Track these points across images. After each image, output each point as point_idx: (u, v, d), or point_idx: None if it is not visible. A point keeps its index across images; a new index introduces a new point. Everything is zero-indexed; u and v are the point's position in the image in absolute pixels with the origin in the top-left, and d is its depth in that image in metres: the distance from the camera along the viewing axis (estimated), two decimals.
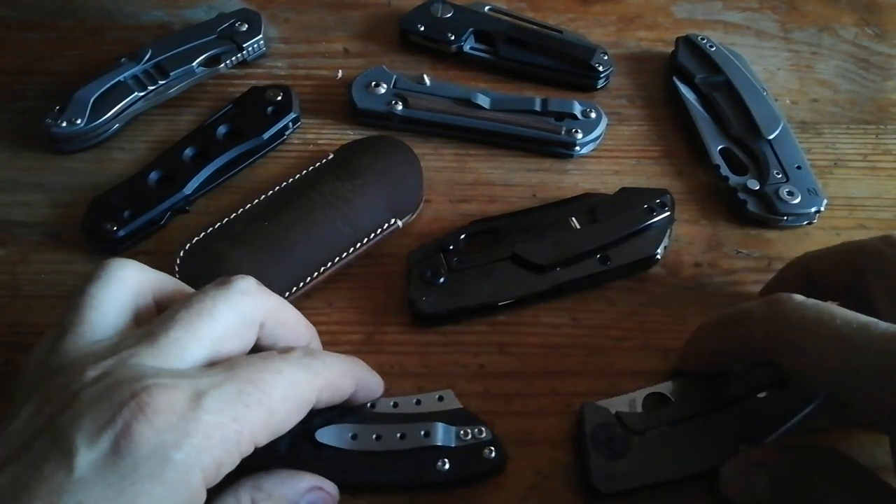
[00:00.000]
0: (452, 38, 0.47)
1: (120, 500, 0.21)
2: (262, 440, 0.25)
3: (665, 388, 0.34)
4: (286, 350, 0.27)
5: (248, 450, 0.24)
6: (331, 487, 0.29)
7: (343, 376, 0.29)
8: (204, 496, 0.23)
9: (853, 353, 0.26)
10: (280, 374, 0.25)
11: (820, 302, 0.28)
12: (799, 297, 0.29)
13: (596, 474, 0.31)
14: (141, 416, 0.22)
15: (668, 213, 0.39)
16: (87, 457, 0.21)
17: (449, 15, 0.48)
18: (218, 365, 0.25)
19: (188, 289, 0.29)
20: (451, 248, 0.37)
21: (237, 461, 0.24)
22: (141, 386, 0.23)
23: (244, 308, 0.27)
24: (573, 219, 0.38)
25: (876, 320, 0.27)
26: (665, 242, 0.39)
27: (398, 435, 0.31)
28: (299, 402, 0.26)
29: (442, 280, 0.36)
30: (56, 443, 0.22)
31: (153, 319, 0.26)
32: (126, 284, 0.27)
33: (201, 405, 0.23)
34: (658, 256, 0.38)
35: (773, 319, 0.29)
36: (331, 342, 0.36)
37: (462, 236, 0.38)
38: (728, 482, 0.30)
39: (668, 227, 0.39)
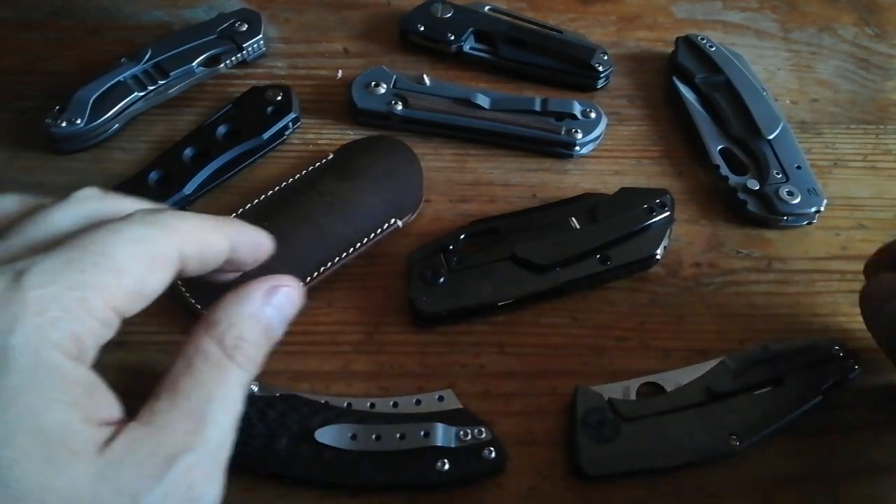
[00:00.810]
0: (452, 38, 0.47)
1: None
2: (124, 304, 0.22)
3: (660, 378, 0.34)
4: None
5: (108, 316, 0.22)
6: (290, 280, 0.26)
7: (209, 232, 0.25)
8: (84, 373, 0.21)
9: None
10: (119, 232, 0.23)
11: None
12: None
13: (584, 457, 0.32)
14: None
15: (667, 213, 0.39)
16: None
17: (449, 15, 0.48)
18: (53, 246, 0.22)
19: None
20: (451, 248, 0.37)
21: (104, 331, 0.22)
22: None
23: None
24: (573, 219, 0.38)
25: None
26: (665, 242, 0.39)
27: (398, 435, 0.31)
28: (153, 259, 0.23)
29: (442, 280, 0.36)
30: None
31: None
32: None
33: (22, 283, 0.20)
34: (658, 256, 0.38)
35: None
36: (331, 342, 0.36)
37: (462, 236, 0.38)
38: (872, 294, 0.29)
39: (668, 227, 0.39)
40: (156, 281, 0.23)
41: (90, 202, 0.26)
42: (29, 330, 0.20)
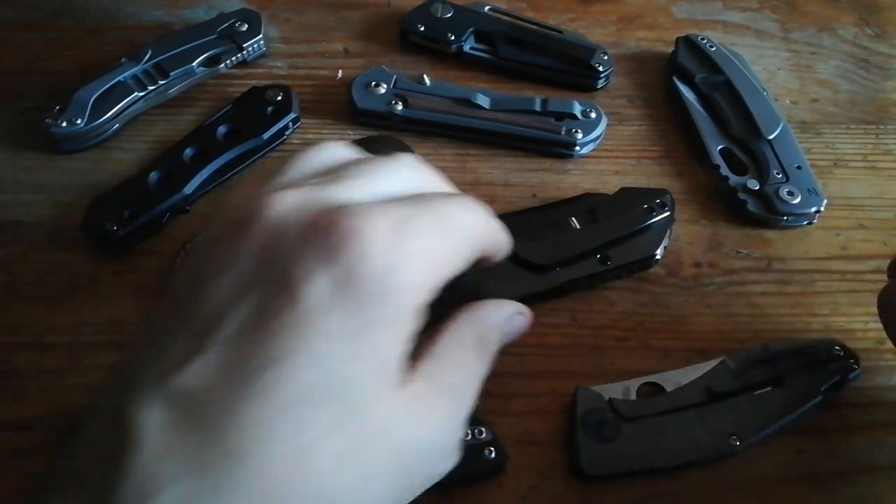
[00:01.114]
0: (452, 38, 0.47)
1: (356, 323, 0.22)
2: (447, 276, 0.25)
3: (660, 378, 0.34)
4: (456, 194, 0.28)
5: (440, 284, 0.24)
6: (528, 312, 0.30)
7: (501, 231, 0.29)
8: (419, 323, 0.24)
9: None
10: (467, 211, 0.26)
11: None
12: None
13: (584, 457, 0.32)
14: (356, 243, 0.22)
15: (668, 213, 0.39)
16: (317, 287, 0.21)
17: (449, 15, 0.48)
18: (402, 199, 0.25)
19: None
20: None
21: (432, 296, 0.24)
22: (346, 213, 0.22)
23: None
24: (573, 219, 0.38)
25: None
26: (665, 242, 0.39)
27: None
28: (475, 242, 0.26)
29: None
30: (284, 281, 0.22)
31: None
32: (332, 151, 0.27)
33: (405, 231, 0.23)
34: (658, 257, 0.38)
35: None
36: None
37: None
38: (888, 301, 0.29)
39: (668, 227, 0.39)
40: (466, 262, 0.26)
41: (416, 167, 0.28)
42: (407, 274, 0.23)
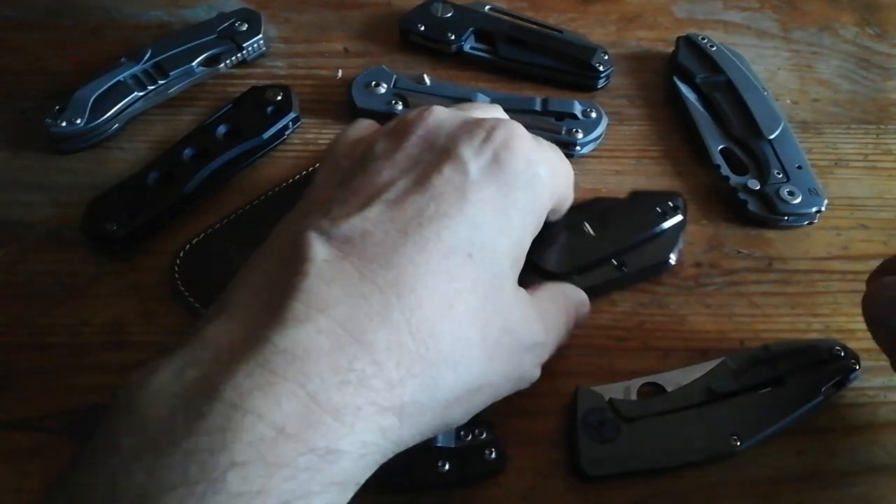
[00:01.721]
0: (452, 37, 0.47)
1: (504, 201, 0.26)
2: (560, 193, 0.31)
3: (661, 378, 0.34)
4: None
5: (555, 198, 0.31)
6: (588, 304, 0.35)
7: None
8: (543, 220, 0.30)
9: None
10: (564, 160, 0.32)
11: None
12: None
13: (584, 457, 0.32)
14: (512, 136, 0.27)
15: (680, 217, 0.39)
16: (476, 164, 0.26)
17: (449, 15, 0.48)
18: None
19: None
20: None
21: (553, 204, 0.31)
22: (501, 119, 0.28)
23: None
24: (586, 224, 0.38)
25: None
26: (679, 245, 0.38)
27: None
28: (565, 191, 0.33)
29: None
30: (447, 155, 0.26)
31: None
32: None
33: (540, 143, 0.29)
34: (672, 261, 0.38)
35: None
36: None
37: None
38: (875, 298, 0.30)
39: (680, 231, 0.39)
40: (567, 190, 0.33)
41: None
42: (548, 171, 0.29)
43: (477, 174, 0.26)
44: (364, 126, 0.32)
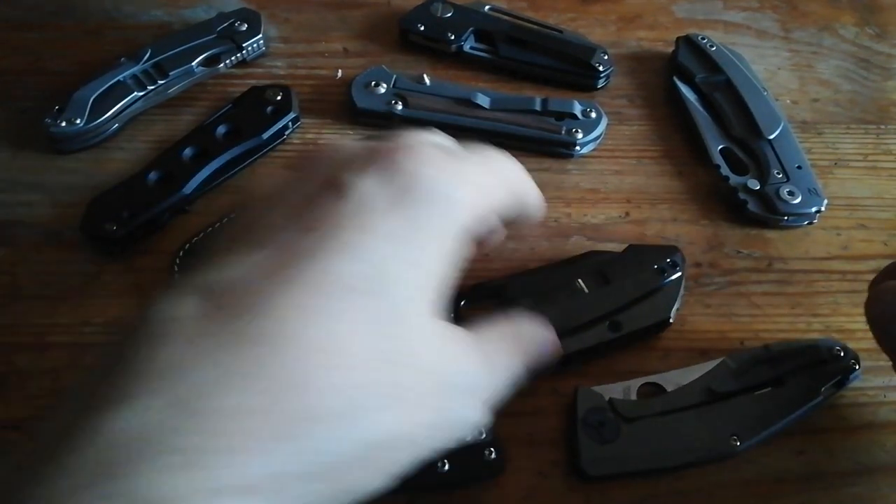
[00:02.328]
0: (452, 37, 0.47)
1: (411, 229, 0.23)
2: (489, 208, 0.26)
3: (660, 378, 0.34)
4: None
5: (482, 214, 0.26)
6: (556, 341, 0.30)
7: (536, 190, 0.30)
8: (466, 247, 0.25)
9: None
10: (508, 161, 0.28)
11: None
12: None
13: (584, 457, 0.32)
14: (420, 160, 0.24)
15: (679, 274, 0.37)
16: (376, 195, 0.23)
17: (449, 14, 0.48)
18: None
19: None
20: (452, 315, 0.35)
21: (475, 224, 0.25)
22: (404, 138, 0.25)
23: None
24: (580, 281, 0.36)
25: None
26: (677, 304, 0.36)
27: None
28: (515, 189, 0.28)
29: None
30: (343, 189, 0.23)
31: None
32: None
33: (456, 160, 0.25)
34: (671, 320, 0.36)
35: None
36: None
37: (462, 303, 0.36)
38: (877, 301, 0.30)
39: (679, 288, 0.37)
40: (509, 202, 0.28)
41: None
42: (464, 194, 0.24)
43: (378, 204, 0.23)
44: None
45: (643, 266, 0.37)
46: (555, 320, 0.34)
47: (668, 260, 0.37)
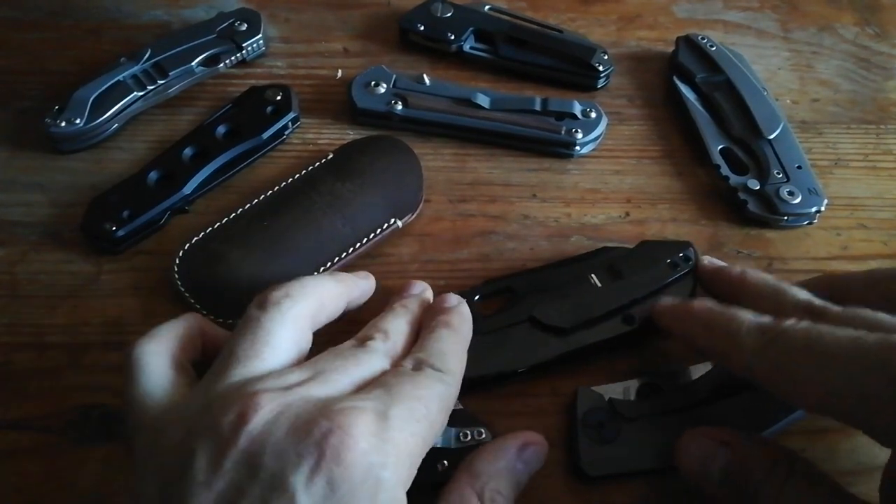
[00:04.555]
0: (452, 37, 0.47)
1: None
2: (428, 448, 0.26)
3: (661, 378, 0.34)
4: (416, 364, 0.27)
5: (420, 460, 0.25)
6: (535, 437, 0.29)
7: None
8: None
9: (842, 372, 0.26)
10: (431, 389, 0.26)
11: (810, 326, 0.27)
12: (790, 326, 0.28)
13: (584, 457, 0.32)
14: (347, 442, 0.23)
15: (692, 267, 0.37)
16: (307, 495, 0.22)
17: (449, 14, 0.48)
18: (370, 387, 0.26)
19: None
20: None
21: (412, 476, 0.25)
22: (335, 412, 0.23)
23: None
24: (593, 276, 0.36)
25: (865, 333, 0.26)
26: (691, 297, 0.36)
27: None
28: (447, 414, 0.27)
29: None
30: (274, 489, 0.22)
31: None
32: (298, 323, 0.28)
33: (388, 424, 0.24)
34: None
35: (762, 353, 0.28)
36: (330, 342, 0.36)
37: (476, 297, 0.36)
38: (685, 452, 0.30)
39: (692, 281, 0.36)
40: (444, 421, 0.27)
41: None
42: (394, 468, 0.23)
43: (315, 500, 0.22)
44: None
45: (656, 261, 0.37)
46: (569, 313, 0.35)
47: (681, 254, 0.37)
